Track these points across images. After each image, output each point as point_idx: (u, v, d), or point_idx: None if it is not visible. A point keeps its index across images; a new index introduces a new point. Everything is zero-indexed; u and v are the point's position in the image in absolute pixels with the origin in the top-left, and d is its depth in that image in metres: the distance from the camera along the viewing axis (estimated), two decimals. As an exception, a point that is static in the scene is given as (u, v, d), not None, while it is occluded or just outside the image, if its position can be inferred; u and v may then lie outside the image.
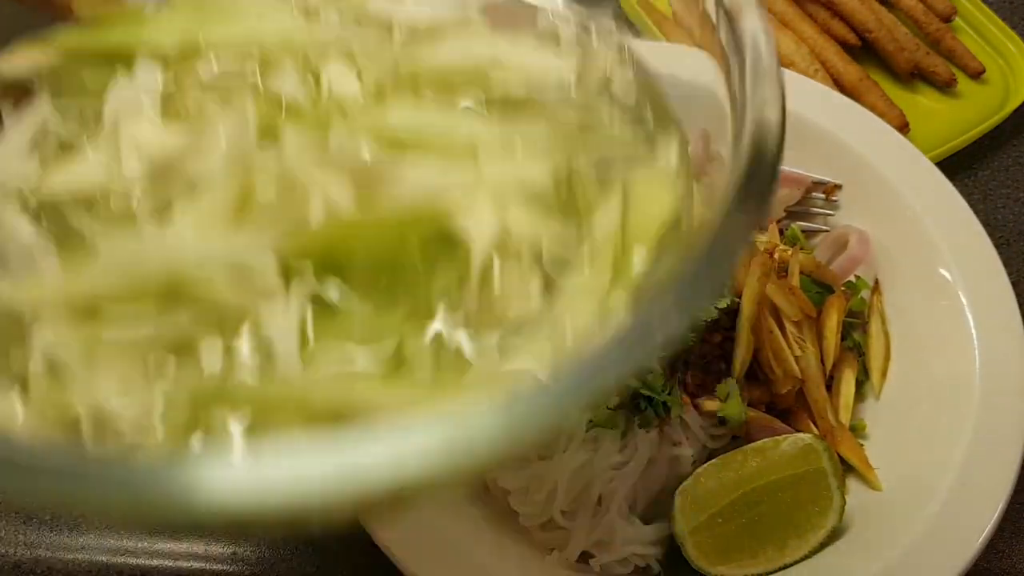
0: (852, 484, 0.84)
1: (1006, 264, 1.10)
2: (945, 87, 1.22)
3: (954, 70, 1.23)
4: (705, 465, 0.81)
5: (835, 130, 0.96)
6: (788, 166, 0.99)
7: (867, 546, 0.77)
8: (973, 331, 0.82)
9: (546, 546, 0.82)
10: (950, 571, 0.71)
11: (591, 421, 0.78)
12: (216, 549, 0.89)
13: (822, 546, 0.78)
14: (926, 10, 1.27)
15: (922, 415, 0.84)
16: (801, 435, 0.82)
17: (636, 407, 0.78)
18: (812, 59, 1.19)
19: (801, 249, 0.94)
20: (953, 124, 1.18)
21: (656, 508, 0.84)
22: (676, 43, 1.00)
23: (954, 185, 1.21)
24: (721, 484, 0.80)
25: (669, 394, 0.79)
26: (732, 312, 0.84)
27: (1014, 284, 1.08)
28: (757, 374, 0.86)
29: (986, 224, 1.14)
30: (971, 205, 1.14)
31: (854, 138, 0.95)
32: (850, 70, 1.19)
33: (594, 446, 0.79)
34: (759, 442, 0.82)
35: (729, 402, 0.81)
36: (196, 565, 0.88)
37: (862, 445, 0.85)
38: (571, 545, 0.79)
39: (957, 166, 1.18)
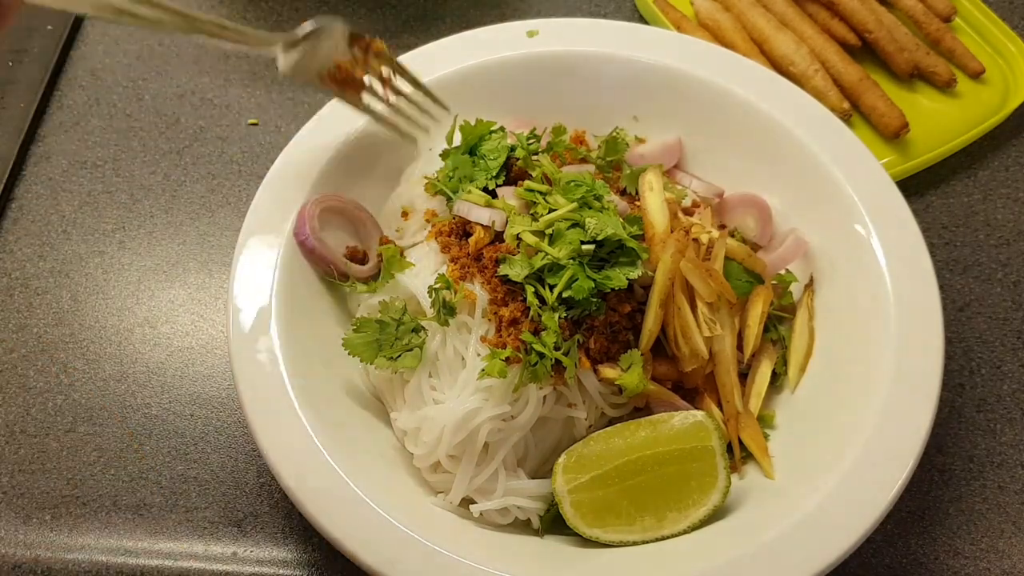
0: (750, 469, 0.85)
1: (1006, 264, 1.11)
2: (945, 87, 1.22)
3: (954, 70, 1.23)
4: (599, 431, 0.82)
5: (794, 129, 0.96)
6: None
7: (744, 530, 0.77)
8: (894, 343, 0.83)
9: (435, 488, 0.85)
10: (810, 566, 0.72)
11: (483, 370, 0.79)
12: (216, 549, 0.90)
13: (703, 523, 0.79)
14: (926, 10, 1.27)
15: (829, 413, 0.84)
16: (693, 412, 0.82)
17: (530, 363, 0.79)
18: (812, 59, 1.19)
19: (743, 241, 0.94)
20: (953, 124, 1.18)
21: (547, 467, 0.85)
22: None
23: (954, 185, 1.22)
24: (608, 449, 0.81)
25: (565, 354, 0.80)
26: (647, 286, 0.85)
27: (1014, 284, 1.09)
28: (667, 351, 0.87)
29: (986, 224, 1.15)
30: (971, 205, 1.16)
31: (824, 149, 0.95)
32: (850, 70, 1.19)
33: (485, 395, 0.80)
34: (654, 416, 0.83)
35: (630, 372, 0.82)
36: (196, 565, 0.89)
37: (767, 435, 0.86)
38: (454, 488, 0.81)
39: (957, 166, 1.18)
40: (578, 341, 0.81)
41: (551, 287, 0.81)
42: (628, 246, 0.83)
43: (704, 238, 0.90)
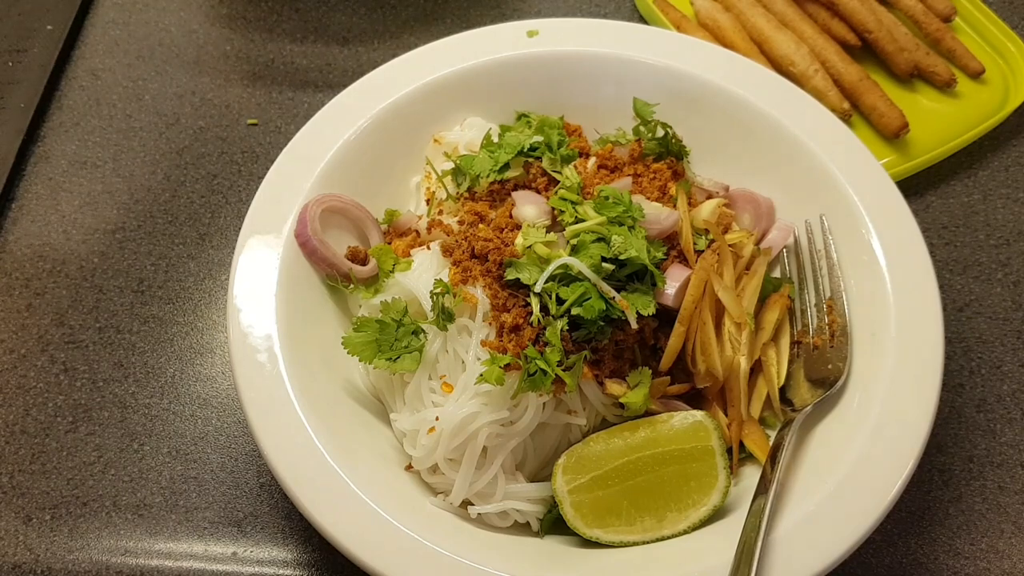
0: (750, 470, 0.85)
1: (1006, 264, 1.11)
2: (945, 87, 1.22)
3: (954, 70, 1.23)
4: (599, 432, 0.82)
5: (793, 129, 0.97)
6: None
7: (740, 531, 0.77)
8: (894, 343, 0.83)
9: (435, 488, 0.85)
10: (810, 566, 0.72)
11: (481, 375, 0.78)
12: (216, 549, 0.90)
13: (703, 524, 0.79)
14: (926, 10, 1.27)
15: (829, 414, 0.84)
16: (693, 412, 0.82)
17: (529, 372, 0.78)
18: (812, 59, 1.19)
19: (789, 297, 0.92)
20: (953, 124, 1.18)
21: (546, 471, 0.85)
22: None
23: (954, 185, 1.22)
24: (608, 449, 0.81)
25: (567, 369, 0.78)
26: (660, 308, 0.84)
27: (1014, 284, 1.09)
28: (681, 365, 0.86)
29: (986, 224, 1.15)
30: (971, 205, 1.16)
31: (832, 159, 0.95)
32: (850, 70, 1.19)
33: (484, 400, 0.80)
34: (654, 416, 0.82)
35: (636, 391, 0.81)
36: (196, 565, 0.89)
37: (769, 436, 0.86)
38: (454, 492, 0.81)
39: (957, 166, 1.18)
40: (584, 357, 0.80)
41: (560, 300, 0.79)
42: (648, 271, 0.81)
43: (746, 252, 0.90)
